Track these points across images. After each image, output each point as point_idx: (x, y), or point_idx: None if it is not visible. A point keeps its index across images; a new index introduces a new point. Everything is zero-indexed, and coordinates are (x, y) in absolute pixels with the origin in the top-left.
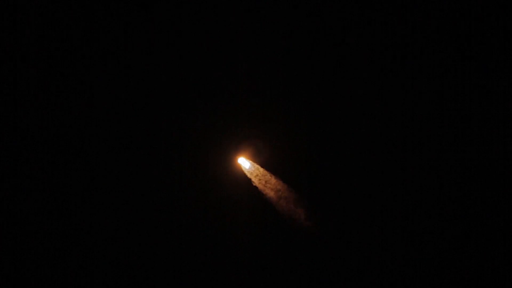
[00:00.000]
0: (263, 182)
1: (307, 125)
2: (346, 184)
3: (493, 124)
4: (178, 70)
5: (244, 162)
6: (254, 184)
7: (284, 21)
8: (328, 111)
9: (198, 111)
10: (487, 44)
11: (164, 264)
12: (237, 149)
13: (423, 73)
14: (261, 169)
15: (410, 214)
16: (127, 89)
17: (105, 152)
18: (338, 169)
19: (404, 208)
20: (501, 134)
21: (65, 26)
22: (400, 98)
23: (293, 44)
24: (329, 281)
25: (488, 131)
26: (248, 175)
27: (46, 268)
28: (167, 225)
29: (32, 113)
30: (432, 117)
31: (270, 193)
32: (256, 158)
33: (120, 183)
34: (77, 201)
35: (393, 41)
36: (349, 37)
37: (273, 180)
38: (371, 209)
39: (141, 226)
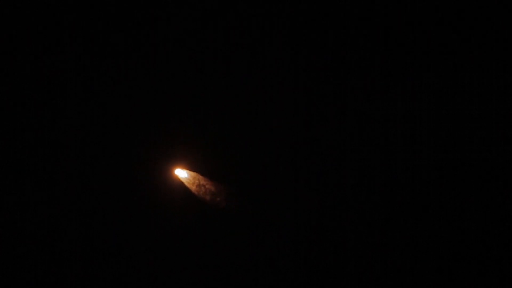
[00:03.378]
0: (203, 189)
1: (241, 126)
2: (285, 181)
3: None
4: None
5: (181, 173)
6: (194, 193)
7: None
8: (257, 110)
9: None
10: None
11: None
12: (172, 161)
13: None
14: (199, 176)
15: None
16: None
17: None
18: (274, 165)
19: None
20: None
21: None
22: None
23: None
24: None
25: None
26: (187, 184)
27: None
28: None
29: None
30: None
31: (211, 198)
32: (193, 166)
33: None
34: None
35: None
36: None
37: (211, 185)
38: (316, 207)
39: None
